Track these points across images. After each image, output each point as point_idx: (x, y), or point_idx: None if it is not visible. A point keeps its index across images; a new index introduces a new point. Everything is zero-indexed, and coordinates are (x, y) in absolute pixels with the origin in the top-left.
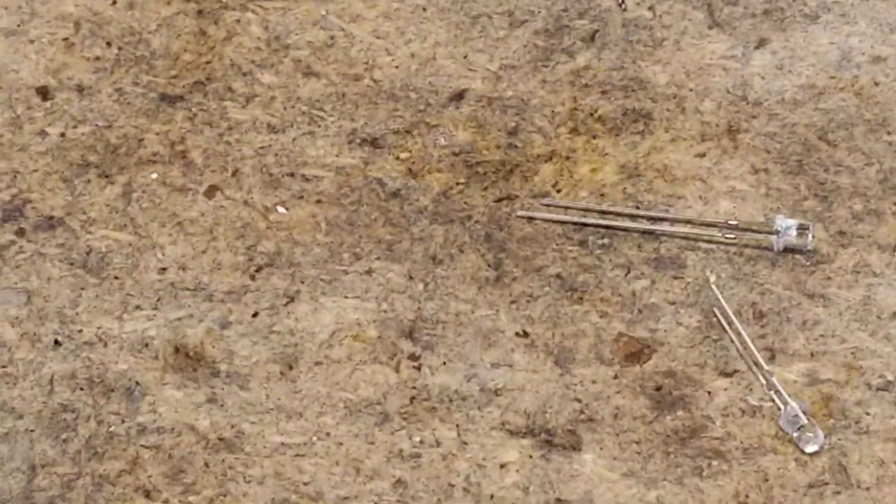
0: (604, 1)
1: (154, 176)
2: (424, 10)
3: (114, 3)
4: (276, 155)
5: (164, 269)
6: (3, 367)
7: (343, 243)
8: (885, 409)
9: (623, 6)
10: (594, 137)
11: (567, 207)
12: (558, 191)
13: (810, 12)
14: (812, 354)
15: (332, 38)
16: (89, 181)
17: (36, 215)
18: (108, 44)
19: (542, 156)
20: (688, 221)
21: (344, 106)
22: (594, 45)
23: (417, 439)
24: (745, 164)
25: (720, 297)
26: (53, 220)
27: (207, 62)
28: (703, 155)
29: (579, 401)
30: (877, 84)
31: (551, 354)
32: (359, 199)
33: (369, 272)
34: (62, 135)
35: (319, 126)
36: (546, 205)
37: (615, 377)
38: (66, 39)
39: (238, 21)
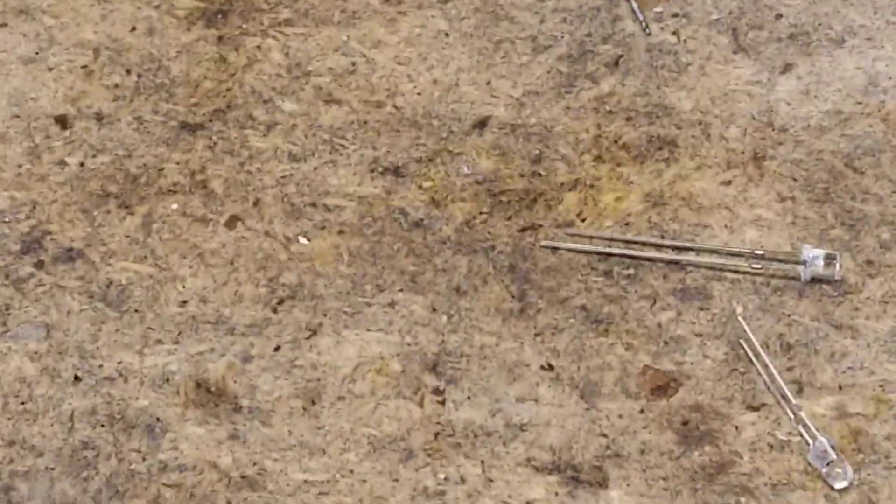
0: (628, 26)
1: (174, 206)
2: (447, 35)
3: (133, 29)
4: (298, 184)
5: (185, 301)
6: (23, 403)
7: (366, 275)
8: None
9: (647, 31)
10: (619, 165)
11: (592, 237)
12: (583, 220)
13: (836, 37)
14: (840, 387)
15: (353, 64)
16: (109, 212)
17: (55, 247)
18: (128, 71)
19: (566, 184)
20: (714, 251)
21: (366, 134)
22: (618, 70)
23: (442, 476)
24: (771, 192)
25: (747, 328)
26: (73, 252)
27: (228, 89)
28: (728, 183)
29: (605, 436)
30: None
31: (577, 388)
32: (381, 229)
33: (392, 304)
34: (81, 164)
35: (341, 154)
36: (570, 234)
37: (641, 411)
38: (84, 67)
39: (259, 47)
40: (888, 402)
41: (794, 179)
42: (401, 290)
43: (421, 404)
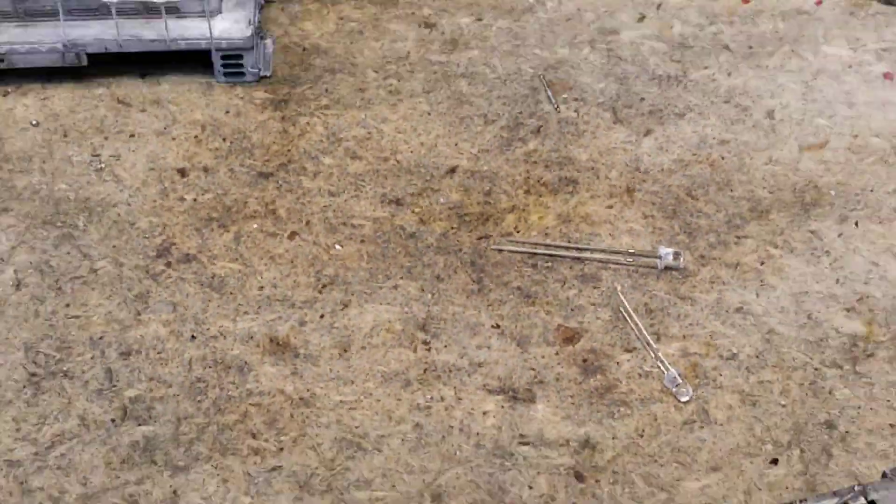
0: (545, 107)
1: (255, 226)
2: (429, 114)
3: (227, 112)
4: (334, 211)
5: (262, 287)
6: (159, 353)
7: (378, 269)
8: (732, 372)
9: (558, 109)
10: (540, 196)
11: (523, 243)
12: (518, 231)
13: (679, 112)
14: (684, 336)
15: (369, 133)
16: (212, 230)
17: (178, 253)
18: (224, 139)
19: (507, 209)
20: (602, 251)
21: (377, 178)
22: (539, 135)
23: (429, 396)
24: (638, 212)
25: (623, 300)
26: (189, 256)
27: (288, 150)
28: (611, 207)
29: (533, 370)
30: (723, 158)
31: (515, 339)
32: (388, 239)
33: (396, 287)
34: (195, 200)
35: (362, 191)
36: (510, 241)
37: (556, 354)
38: (196, 136)
39: (308, 123)
40: (715, 346)
41: (654, 204)
42: (401, 279)
43: (415, 351)
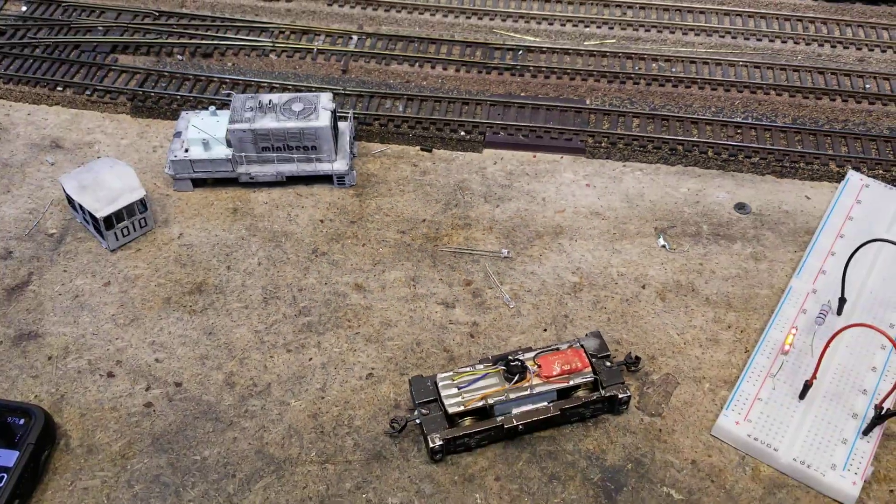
0: (468, 197)
1: (349, 241)
2: (415, 199)
3: (339, 198)
4: (377, 232)
5: (354, 263)
6: (309, 291)
7: (396, 257)
8: (531, 298)
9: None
10: (457, 229)
11: (452, 246)
12: (449, 242)
13: (522, 197)
14: (511, 284)
15: (392, 207)
16: (330, 243)
17: (319, 252)
18: (338, 208)
19: (445, 234)
20: (481, 250)
21: (396, 223)
22: (456, 207)
23: (415, 306)
24: (494, 235)
25: (488, 269)
26: (323, 252)
27: (362, 212)
28: (484, 233)
29: (454, 296)
30: (527, 210)
31: (448, 284)
32: (398, 246)
33: (402, 264)
34: (325, 232)
35: (389, 227)
36: (446, 246)
37: (463, 290)
38: (327, 206)
39: (369, 203)
40: (523, 287)
41: (501, 232)
42: (404, 261)
43: (410, 289)
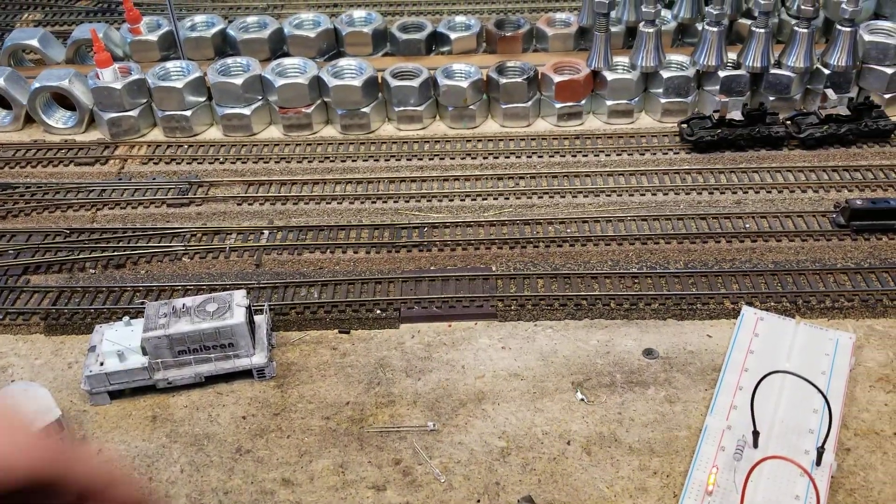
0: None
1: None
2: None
3: (260, 391)
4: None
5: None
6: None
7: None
8: None
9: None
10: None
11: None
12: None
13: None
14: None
15: (314, 391)
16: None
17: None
18: (259, 402)
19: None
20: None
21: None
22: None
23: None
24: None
25: (419, 449)
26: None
27: (285, 398)
28: None
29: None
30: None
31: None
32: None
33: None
34: (258, 426)
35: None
36: (383, 426)
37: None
38: (248, 401)
39: (290, 390)
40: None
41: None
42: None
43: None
